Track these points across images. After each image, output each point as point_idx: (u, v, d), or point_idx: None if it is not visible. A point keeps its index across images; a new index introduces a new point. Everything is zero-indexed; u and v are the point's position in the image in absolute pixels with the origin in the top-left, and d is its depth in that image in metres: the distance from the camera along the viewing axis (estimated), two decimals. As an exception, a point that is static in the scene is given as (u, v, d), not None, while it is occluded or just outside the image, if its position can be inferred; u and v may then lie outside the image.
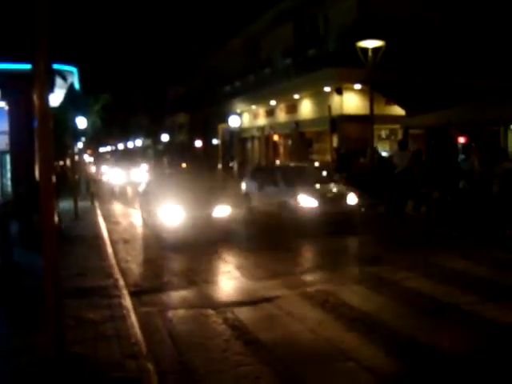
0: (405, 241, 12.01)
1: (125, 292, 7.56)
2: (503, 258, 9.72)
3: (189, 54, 44.65)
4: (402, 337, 5.80)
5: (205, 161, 36.47)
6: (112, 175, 33.04)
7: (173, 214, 11.63)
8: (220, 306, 7.11)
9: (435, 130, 16.56)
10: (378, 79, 17.32)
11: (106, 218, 16.42)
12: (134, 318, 6.33)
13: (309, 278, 8.62)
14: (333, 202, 13.47)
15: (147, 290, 8.10)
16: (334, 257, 10.32)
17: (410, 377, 4.96)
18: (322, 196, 13.38)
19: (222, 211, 12.09)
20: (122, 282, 8.11)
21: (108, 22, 65.33)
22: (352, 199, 13.56)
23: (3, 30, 14.31)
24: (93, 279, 8.30)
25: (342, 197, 13.70)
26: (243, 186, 17.31)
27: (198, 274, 9.00)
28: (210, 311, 6.93)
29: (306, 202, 13.17)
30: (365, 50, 16.92)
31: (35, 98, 5.02)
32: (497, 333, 5.92)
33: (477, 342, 5.71)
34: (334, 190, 14.40)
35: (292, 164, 21.18)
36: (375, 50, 16.82)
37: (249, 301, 7.36)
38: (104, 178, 36.01)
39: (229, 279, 8.82)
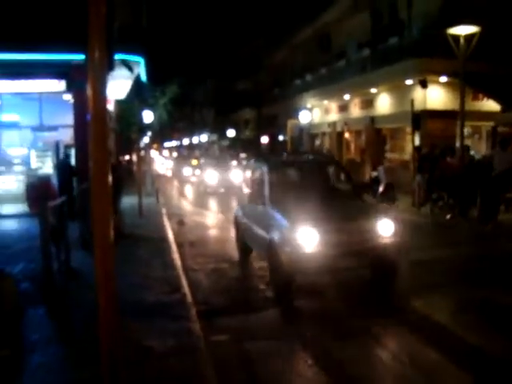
0: (507, 253, 10.45)
1: (193, 313, 6.48)
2: None
3: (254, 48, 43.59)
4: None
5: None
6: None
7: None
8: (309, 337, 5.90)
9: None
10: (468, 70, 15.47)
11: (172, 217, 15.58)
12: (204, 351, 5.23)
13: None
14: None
15: (220, 310, 7.01)
16: (428, 275, 8.81)
17: None
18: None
19: None
20: (189, 299, 7.04)
21: (176, 14, 65.57)
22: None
23: (66, 20, 13.64)
24: (155, 291, 7.30)
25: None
26: None
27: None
28: (297, 344, 5.74)
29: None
30: (456, 37, 15.09)
31: (88, 90, 3.97)
32: None
33: None
34: None
35: None
36: (468, 37, 14.96)
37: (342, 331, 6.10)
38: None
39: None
